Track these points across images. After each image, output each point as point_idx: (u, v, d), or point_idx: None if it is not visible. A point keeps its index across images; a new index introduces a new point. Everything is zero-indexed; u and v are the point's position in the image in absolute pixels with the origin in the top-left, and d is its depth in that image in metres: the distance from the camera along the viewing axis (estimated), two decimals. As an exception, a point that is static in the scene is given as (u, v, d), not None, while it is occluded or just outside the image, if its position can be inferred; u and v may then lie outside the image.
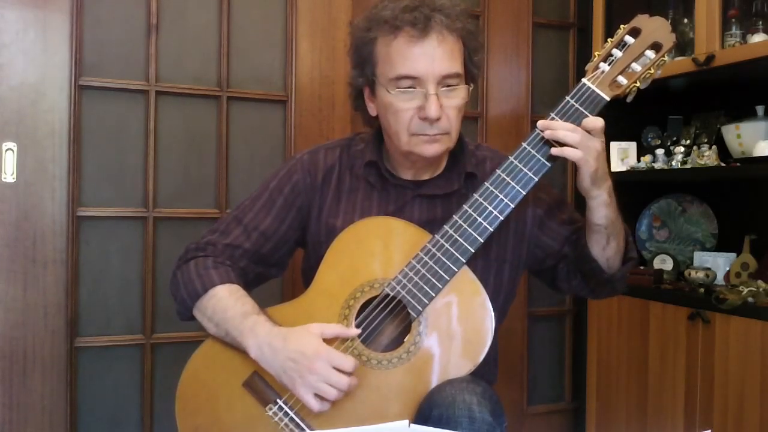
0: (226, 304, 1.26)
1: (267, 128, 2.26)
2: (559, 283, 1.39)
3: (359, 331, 1.21)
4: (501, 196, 1.20)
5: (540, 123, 1.20)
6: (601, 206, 1.22)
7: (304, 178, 1.37)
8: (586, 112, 1.20)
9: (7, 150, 1.92)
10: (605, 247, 1.26)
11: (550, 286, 1.43)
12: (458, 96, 1.25)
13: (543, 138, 1.20)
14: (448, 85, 1.24)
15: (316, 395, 1.15)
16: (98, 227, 2.07)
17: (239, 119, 2.22)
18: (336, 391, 1.15)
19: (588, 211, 1.24)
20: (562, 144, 1.18)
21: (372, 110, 1.33)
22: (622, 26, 1.26)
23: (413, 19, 1.21)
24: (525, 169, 1.20)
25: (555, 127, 1.18)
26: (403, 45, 1.22)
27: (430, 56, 1.21)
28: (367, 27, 1.28)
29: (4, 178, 1.92)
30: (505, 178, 1.20)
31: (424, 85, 1.22)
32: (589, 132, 1.18)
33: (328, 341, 1.18)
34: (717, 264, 2.27)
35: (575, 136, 1.16)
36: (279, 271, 1.43)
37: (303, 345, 1.16)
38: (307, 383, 1.15)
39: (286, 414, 1.20)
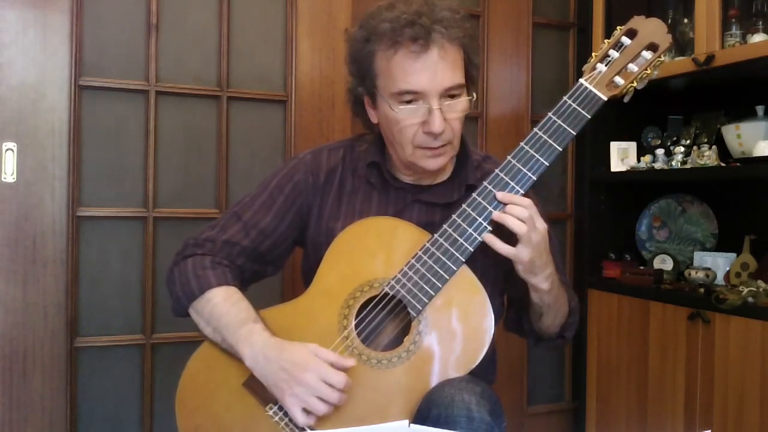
0: (222, 310, 1.25)
1: (267, 128, 2.26)
2: (507, 323, 1.42)
3: (354, 363, 1.19)
4: (500, 196, 1.21)
5: (499, 196, 1.20)
6: (540, 292, 1.23)
7: (305, 178, 1.37)
8: (584, 112, 1.21)
9: (7, 150, 1.92)
10: (539, 320, 1.30)
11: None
12: (461, 107, 1.25)
13: (543, 135, 1.21)
14: (451, 96, 1.23)
15: (304, 409, 1.15)
16: (98, 227, 2.07)
17: (239, 119, 2.22)
18: (324, 406, 1.14)
19: (528, 289, 1.25)
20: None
21: (373, 117, 1.33)
22: (618, 27, 1.26)
23: (414, 34, 1.19)
24: (524, 169, 1.21)
25: (507, 210, 1.18)
26: (405, 60, 1.21)
27: (432, 70, 1.20)
28: (364, 38, 1.26)
29: (4, 178, 1.92)
30: (504, 177, 1.21)
31: (426, 99, 1.21)
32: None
33: (327, 341, 1.19)
34: (717, 264, 2.26)
35: (521, 226, 1.16)
36: (275, 269, 1.43)
37: (296, 356, 1.16)
38: (296, 394, 1.14)
39: (286, 414, 1.19)
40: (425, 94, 1.21)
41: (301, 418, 1.15)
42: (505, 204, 1.19)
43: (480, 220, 1.20)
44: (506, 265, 1.25)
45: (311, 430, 1.17)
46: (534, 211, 1.18)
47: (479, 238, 1.20)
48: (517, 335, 1.43)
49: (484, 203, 1.21)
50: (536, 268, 1.19)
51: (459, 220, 1.21)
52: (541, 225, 1.19)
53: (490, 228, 1.20)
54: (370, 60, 1.25)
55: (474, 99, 1.29)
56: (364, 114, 1.35)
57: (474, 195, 1.22)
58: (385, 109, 1.26)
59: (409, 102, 1.22)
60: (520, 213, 1.17)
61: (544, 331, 1.33)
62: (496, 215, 1.19)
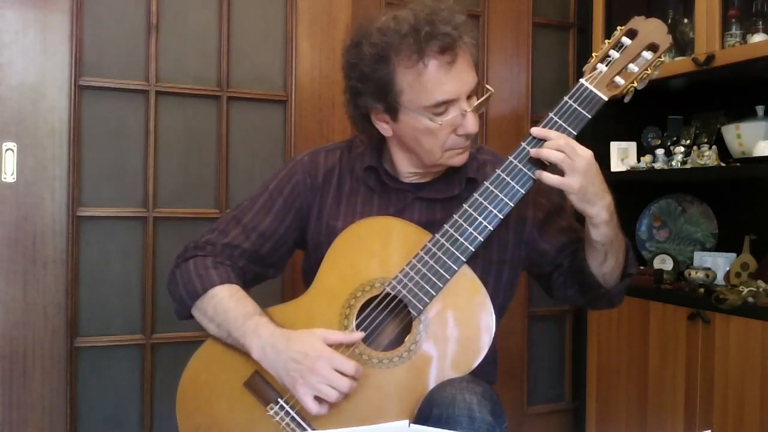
0: (227, 305, 1.26)
1: (267, 128, 2.26)
2: (554, 292, 1.38)
3: (363, 335, 1.20)
4: (501, 196, 1.21)
5: (533, 131, 1.20)
6: (599, 225, 1.19)
7: (304, 180, 1.37)
8: (585, 112, 1.21)
9: (7, 150, 1.92)
10: (602, 264, 1.25)
11: (547, 293, 1.42)
12: (480, 104, 1.27)
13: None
14: (469, 97, 1.26)
15: (316, 397, 1.15)
16: (98, 227, 2.07)
17: (239, 119, 2.22)
18: (336, 393, 1.14)
19: (586, 227, 1.22)
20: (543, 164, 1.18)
21: (386, 131, 1.30)
22: (619, 27, 1.27)
23: (442, 46, 1.19)
24: (525, 169, 1.21)
25: (545, 135, 1.18)
26: (438, 74, 1.21)
27: (460, 77, 1.22)
28: (377, 55, 1.22)
29: (4, 178, 1.92)
30: (505, 177, 1.21)
31: (457, 104, 1.23)
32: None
33: (332, 347, 1.18)
34: (717, 264, 2.27)
35: (558, 155, 1.15)
36: (277, 271, 1.43)
37: (306, 346, 1.17)
38: (308, 383, 1.15)
39: (287, 413, 1.20)
40: (456, 100, 1.23)
41: (313, 407, 1.15)
42: (522, 189, 1.19)
43: (480, 219, 1.20)
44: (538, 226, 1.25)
45: (320, 426, 1.17)
46: (571, 140, 1.17)
47: (480, 238, 1.20)
48: (569, 302, 1.36)
49: (485, 203, 1.21)
50: (591, 196, 1.16)
51: (460, 220, 1.21)
52: (585, 152, 1.16)
53: (491, 228, 1.20)
54: (391, 77, 1.22)
55: (493, 92, 1.29)
56: (371, 129, 1.32)
57: (476, 195, 1.22)
58: (413, 122, 1.24)
59: (442, 111, 1.23)
60: (556, 143, 1.16)
61: (608, 275, 1.27)
62: (534, 152, 1.18)
